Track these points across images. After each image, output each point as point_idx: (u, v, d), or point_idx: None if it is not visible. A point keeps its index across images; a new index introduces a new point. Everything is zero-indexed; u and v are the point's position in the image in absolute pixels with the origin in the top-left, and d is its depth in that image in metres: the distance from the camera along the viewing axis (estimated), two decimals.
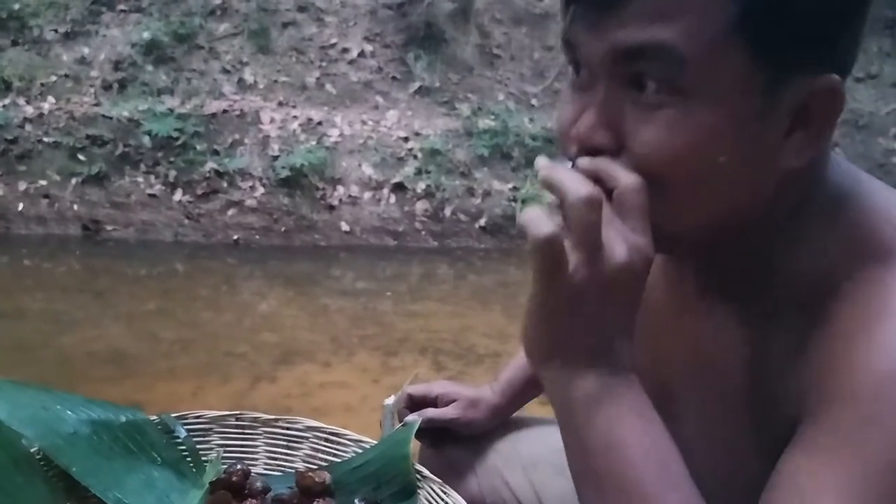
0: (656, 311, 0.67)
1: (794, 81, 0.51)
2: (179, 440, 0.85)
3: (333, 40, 5.80)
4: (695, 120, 0.50)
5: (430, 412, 0.95)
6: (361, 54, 5.79)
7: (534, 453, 0.98)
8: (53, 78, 5.31)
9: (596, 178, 0.52)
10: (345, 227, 4.96)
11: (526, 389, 1.01)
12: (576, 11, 0.54)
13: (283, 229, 4.92)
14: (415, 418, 0.94)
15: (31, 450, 0.79)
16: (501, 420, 1.01)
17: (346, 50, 5.78)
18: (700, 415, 0.65)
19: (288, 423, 0.89)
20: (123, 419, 0.84)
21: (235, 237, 4.87)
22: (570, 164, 0.54)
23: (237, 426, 0.89)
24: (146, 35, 5.41)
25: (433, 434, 0.99)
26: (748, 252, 0.59)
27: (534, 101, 6.00)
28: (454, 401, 0.97)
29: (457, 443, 0.99)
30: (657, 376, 0.66)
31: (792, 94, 0.51)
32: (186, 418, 0.88)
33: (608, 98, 0.53)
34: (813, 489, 0.48)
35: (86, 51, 5.46)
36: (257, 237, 4.90)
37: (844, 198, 0.57)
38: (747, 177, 0.53)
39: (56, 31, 5.49)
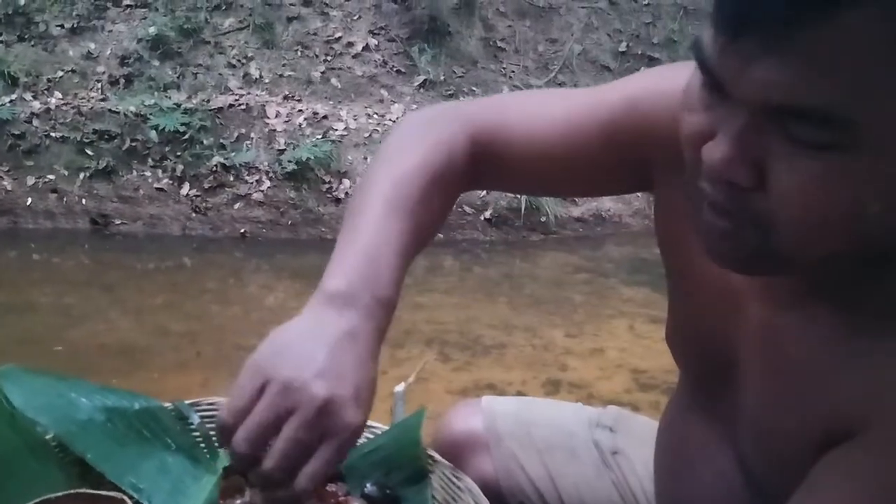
0: (730, 282, 0.66)
1: None
2: (193, 426, 0.86)
3: (338, 34, 5.80)
4: (855, 173, 0.47)
5: None
6: (366, 48, 5.78)
7: (547, 437, 0.98)
8: (60, 73, 5.33)
9: None
10: None
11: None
12: (724, 28, 0.47)
13: (289, 223, 4.93)
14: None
15: (47, 437, 0.80)
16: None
17: (350, 44, 5.78)
18: (756, 389, 0.66)
19: None
20: (137, 406, 0.85)
21: (242, 230, 4.89)
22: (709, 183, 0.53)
23: None
24: (152, 30, 5.42)
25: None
26: (867, 267, 0.56)
27: None
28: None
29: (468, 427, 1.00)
30: (722, 342, 0.68)
31: None
32: (199, 405, 0.89)
33: (750, 129, 0.49)
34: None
35: (92, 46, 5.47)
36: (264, 230, 4.91)
37: None
38: (892, 215, 0.50)
39: (62, 26, 5.50)
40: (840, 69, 0.44)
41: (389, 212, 0.71)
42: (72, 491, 0.73)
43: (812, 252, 0.53)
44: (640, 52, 6.36)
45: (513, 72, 6.03)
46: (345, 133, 5.25)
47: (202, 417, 0.87)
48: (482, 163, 0.79)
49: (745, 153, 0.49)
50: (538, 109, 0.79)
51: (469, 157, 0.78)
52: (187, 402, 0.89)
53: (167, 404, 0.87)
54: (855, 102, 0.44)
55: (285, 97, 5.43)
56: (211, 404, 0.89)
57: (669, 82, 0.67)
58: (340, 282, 0.67)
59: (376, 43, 5.83)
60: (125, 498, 0.71)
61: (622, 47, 6.35)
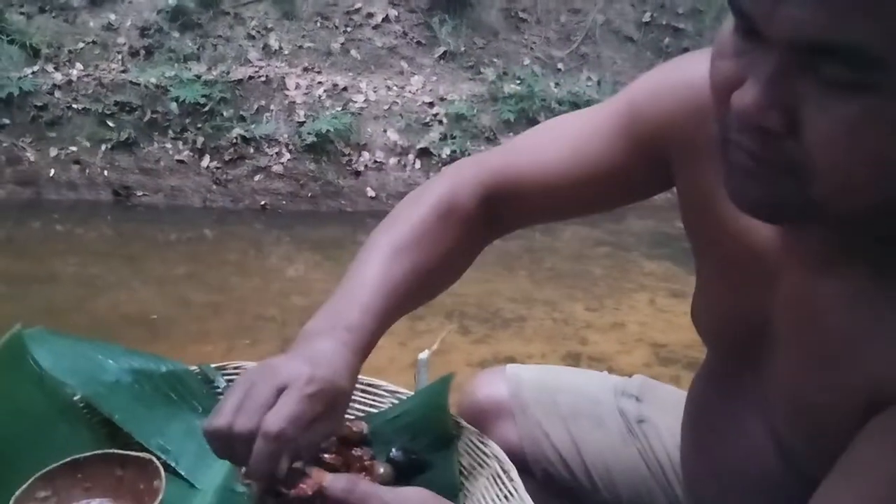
0: (763, 253, 0.65)
1: None
2: (219, 390, 0.86)
3: (358, 5, 5.75)
4: (886, 118, 0.46)
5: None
6: (386, 19, 5.73)
7: (572, 405, 0.98)
8: (81, 45, 5.33)
9: None
10: (370, 192, 4.96)
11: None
12: None
13: (309, 195, 4.93)
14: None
15: (75, 398, 0.81)
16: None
17: (370, 15, 5.73)
18: (791, 360, 0.65)
19: None
20: (164, 369, 0.86)
21: (263, 202, 4.90)
22: None
23: None
24: (171, 1, 5.40)
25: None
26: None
27: (560, 65, 5.92)
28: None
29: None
30: (756, 315, 0.67)
31: None
32: (226, 369, 0.89)
33: (781, 73, 0.48)
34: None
35: (112, 17, 5.46)
36: (284, 202, 4.92)
37: None
38: None
39: None
40: (872, 6, 0.44)
41: (378, 256, 0.76)
42: (100, 451, 0.74)
43: (843, 202, 0.52)
44: (664, 23, 6.25)
45: (534, 43, 5.96)
46: (364, 105, 5.23)
47: (228, 381, 0.88)
48: (497, 202, 0.82)
49: (776, 97, 0.48)
50: (543, 139, 0.82)
51: (480, 197, 0.81)
52: (213, 365, 0.89)
53: (193, 368, 0.88)
54: (885, 42, 0.44)
55: (305, 69, 5.40)
56: (237, 368, 0.90)
57: (666, 79, 0.72)
58: (312, 322, 0.73)
59: (396, 14, 5.78)
60: (153, 458, 0.72)
61: (646, 17, 6.25)
